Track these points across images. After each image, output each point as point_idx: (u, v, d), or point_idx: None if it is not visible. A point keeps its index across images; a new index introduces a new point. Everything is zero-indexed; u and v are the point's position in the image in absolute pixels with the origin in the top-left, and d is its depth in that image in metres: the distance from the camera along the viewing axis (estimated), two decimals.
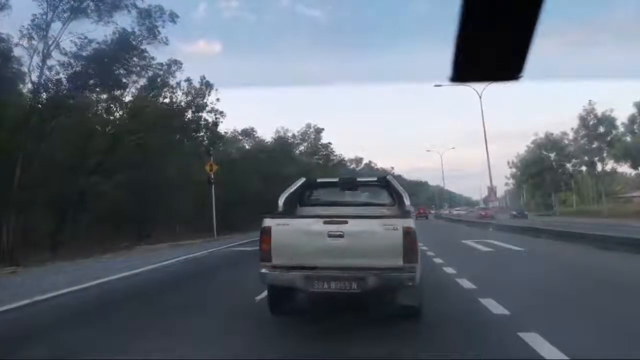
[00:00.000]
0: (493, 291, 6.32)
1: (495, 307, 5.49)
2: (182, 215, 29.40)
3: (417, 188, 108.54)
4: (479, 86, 28.03)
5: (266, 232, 5.07)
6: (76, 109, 20.88)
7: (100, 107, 22.61)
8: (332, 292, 4.95)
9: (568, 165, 57.91)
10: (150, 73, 22.32)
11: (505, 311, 5.26)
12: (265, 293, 5.73)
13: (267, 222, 5.14)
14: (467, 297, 6.35)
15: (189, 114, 23.41)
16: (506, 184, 79.94)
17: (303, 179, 7.05)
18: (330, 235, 4.90)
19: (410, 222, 4.98)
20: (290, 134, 53.65)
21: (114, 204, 23.87)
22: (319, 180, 7.64)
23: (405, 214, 5.73)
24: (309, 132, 58.61)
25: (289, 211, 6.47)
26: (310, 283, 4.90)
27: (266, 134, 49.01)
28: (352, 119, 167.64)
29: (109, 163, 22.08)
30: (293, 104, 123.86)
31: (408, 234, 4.80)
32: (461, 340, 4.50)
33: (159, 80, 22.87)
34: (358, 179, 7.74)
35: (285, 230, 5.09)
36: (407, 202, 6.18)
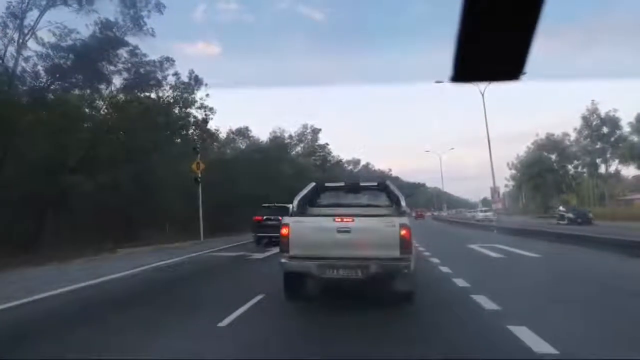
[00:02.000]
0: (523, 314, 5.09)
1: (535, 341, 4.17)
2: (172, 216, 28.15)
3: (415, 190, 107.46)
4: (479, 85, 26.96)
5: (285, 229, 5.92)
6: (56, 103, 19.62)
7: (83, 102, 21.25)
8: (341, 278, 5.81)
9: (569, 167, 56.62)
10: (142, 70, 21.15)
11: (551, 348, 3.95)
12: (232, 316, 5.52)
13: (286, 219, 6.09)
14: (493, 324, 5.05)
15: (177, 110, 22.04)
16: (505, 185, 78.57)
17: (313, 184, 7.72)
18: (339, 231, 5.77)
19: (405, 220, 5.85)
20: (287, 135, 52.68)
21: (98, 204, 22.58)
22: (327, 184, 8.24)
23: (401, 214, 6.54)
24: (305, 133, 57.94)
25: (302, 211, 7.11)
26: (323, 270, 5.75)
27: (264, 134, 47.90)
28: (350, 120, 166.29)
29: (91, 161, 20.77)
30: (291, 105, 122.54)
31: (404, 230, 5.63)
32: None
33: (151, 77, 21.65)
34: (361, 184, 8.27)
35: (302, 227, 5.98)
36: (403, 203, 6.95)
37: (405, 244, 5.60)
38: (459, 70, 1.04)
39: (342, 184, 8.21)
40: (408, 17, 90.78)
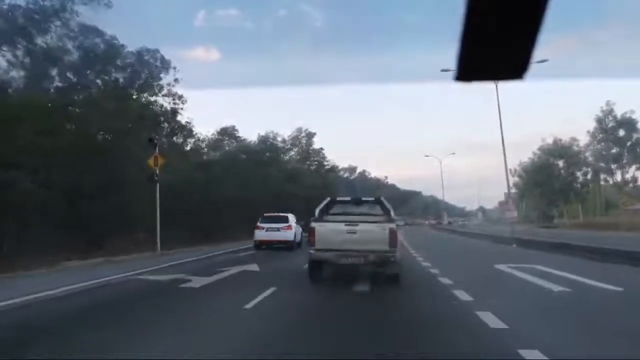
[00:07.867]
0: None
1: None
2: (143, 222, 24.62)
3: (410, 197, 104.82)
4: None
5: (313, 230, 9.13)
6: None
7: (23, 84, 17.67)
8: (350, 264, 8.93)
9: (578, 174, 53.09)
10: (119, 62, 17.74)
11: None
12: None
13: (313, 224, 9.28)
14: None
15: (135, 96, 18.37)
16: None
17: (328, 199, 10.45)
18: (348, 232, 8.88)
19: (393, 225, 9.11)
20: (280, 139, 49.55)
21: (46, 207, 18.96)
22: (338, 199, 10.77)
23: (390, 221, 9.36)
24: (300, 137, 55.19)
25: (322, 218, 9.60)
26: (338, 258, 8.86)
27: (255, 137, 44.43)
28: (346, 128, 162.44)
29: (36, 154, 17.23)
30: (287, 110, 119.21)
31: (392, 232, 8.85)
32: None
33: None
34: (362, 199, 10.72)
35: (323, 229, 9.08)
36: (392, 213, 9.84)
37: (392, 241, 8.73)
38: (463, 69, 1.05)
39: (348, 198, 10.76)
40: (408, 19, 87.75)
